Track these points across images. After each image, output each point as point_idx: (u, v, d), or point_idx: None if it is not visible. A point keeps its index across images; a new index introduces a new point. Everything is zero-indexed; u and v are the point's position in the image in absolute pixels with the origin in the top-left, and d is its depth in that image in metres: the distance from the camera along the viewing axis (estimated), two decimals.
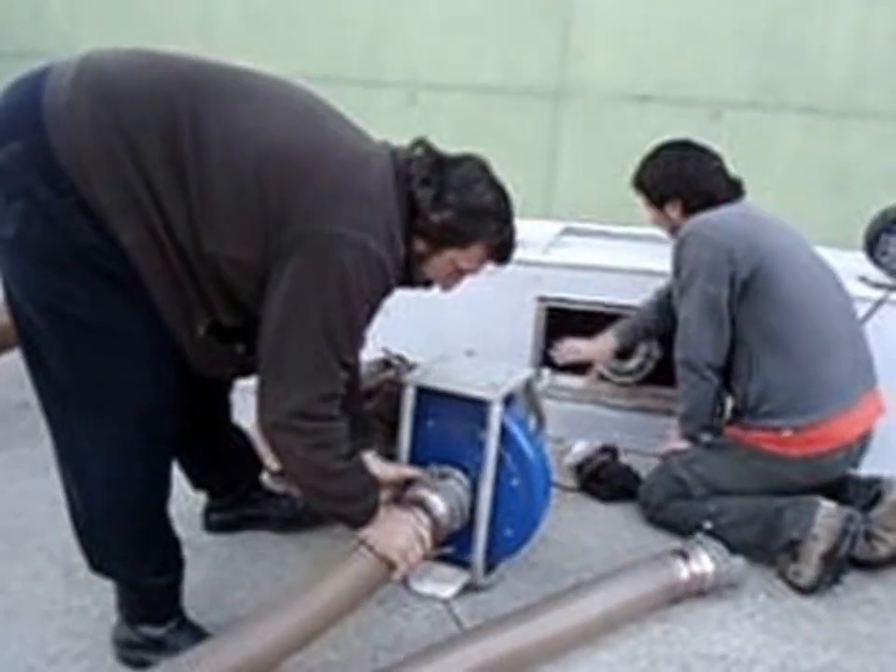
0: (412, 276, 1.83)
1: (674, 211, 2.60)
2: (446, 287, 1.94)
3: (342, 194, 1.62)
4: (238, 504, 2.35)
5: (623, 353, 3.02)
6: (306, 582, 1.83)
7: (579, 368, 3.06)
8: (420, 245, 1.80)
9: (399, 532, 1.87)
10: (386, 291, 1.73)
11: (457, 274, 1.91)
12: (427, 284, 1.92)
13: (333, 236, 1.59)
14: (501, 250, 1.87)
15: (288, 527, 2.37)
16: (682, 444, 2.57)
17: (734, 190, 2.60)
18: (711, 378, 2.47)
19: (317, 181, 1.60)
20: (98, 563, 1.79)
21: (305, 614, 1.72)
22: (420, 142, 1.80)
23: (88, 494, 1.72)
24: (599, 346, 2.93)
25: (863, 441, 2.43)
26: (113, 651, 1.85)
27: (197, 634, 1.84)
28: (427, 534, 1.92)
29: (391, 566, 1.85)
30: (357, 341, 1.76)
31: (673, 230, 2.62)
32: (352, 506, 1.83)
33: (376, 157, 1.72)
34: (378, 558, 1.83)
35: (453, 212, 1.75)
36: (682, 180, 2.60)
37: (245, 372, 1.84)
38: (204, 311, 1.66)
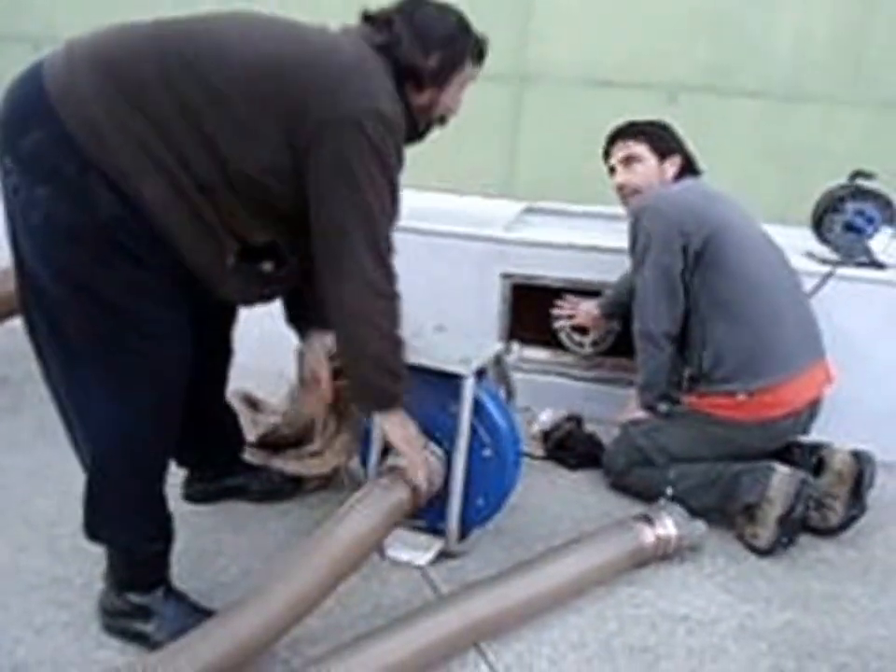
0: (421, 128, 1.89)
1: (673, 167, 2.54)
2: (453, 110, 1.95)
3: (345, 74, 1.65)
4: (218, 475, 2.29)
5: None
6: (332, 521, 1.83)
7: (544, 340, 3.04)
8: (425, 97, 1.83)
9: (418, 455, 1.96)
10: (402, 140, 1.77)
11: (460, 94, 1.94)
12: (430, 125, 1.93)
13: (351, 115, 1.62)
14: (480, 51, 1.92)
15: (267, 498, 2.32)
16: (641, 413, 2.55)
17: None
18: (667, 347, 2.45)
19: (321, 69, 1.64)
20: (97, 528, 1.75)
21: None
22: (367, 16, 1.83)
23: (97, 452, 1.69)
24: (591, 314, 2.92)
25: (813, 408, 2.44)
26: (98, 619, 1.79)
27: (183, 603, 1.79)
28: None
29: (416, 489, 1.94)
30: (398, 195, 1.79)
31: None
32: (397, 384, 1.86)
33: (349, 39, 1.76)
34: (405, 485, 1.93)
35: (440, 49, 1.80)
36: (681, 142, 2.60)
37: (273, 293, 1.89)
38: (233, 239, 1.66)
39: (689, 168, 2.59)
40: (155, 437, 1.73)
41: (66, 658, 1.69)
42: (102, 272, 1.56)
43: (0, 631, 1.75)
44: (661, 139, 2.56)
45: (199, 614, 1.72)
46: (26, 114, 1.53)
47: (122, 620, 1.77)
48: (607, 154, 2.63)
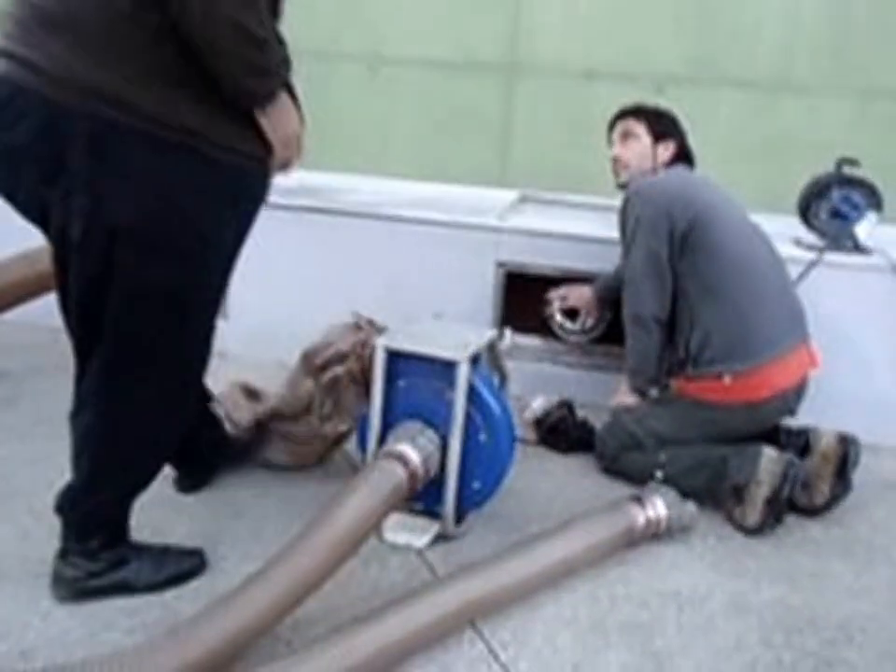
0: None
1: (667, 151, 2.66)
2: None
3: None
4: (202, 469, 2.35)
5: (578, 313, 3.05)
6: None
7: (537, 328, 3.09)
8: None
9: (291, 119, 1.74)
10: None
11: None
12: None
13: None
14: None
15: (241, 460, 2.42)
16: (631, 398, 2.60)
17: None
18: (656, 331, 2.52)
19: None
20: (94, 495, 1.80)
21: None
22: None
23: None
24: (584, 296, 2.99)
25: (799, 390, 2.49)
26: (73, 587, 1.82)
27: (145, 547, 1.91)
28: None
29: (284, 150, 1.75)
30: None
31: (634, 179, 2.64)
32: (265, 81, 1.63)
33: None
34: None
35: None
36: (681, 129, 2.73)
37: None
38: None
39: (683, 157, 2.68)
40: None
41: (73, 640, 1.73)
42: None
43: (8, 616, 1.79)
44: (660, 123, 2.68)
45: (166, 554, 1.92)
46: (52, 145, 1.54)
47: (104, 577, 1.82)
48: (611, 127, 2.76)
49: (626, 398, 2.63)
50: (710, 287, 2.44)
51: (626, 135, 2.68)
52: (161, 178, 1.60)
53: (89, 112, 1.52)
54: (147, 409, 1.77)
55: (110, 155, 1.55)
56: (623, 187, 2.69)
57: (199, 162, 1.61)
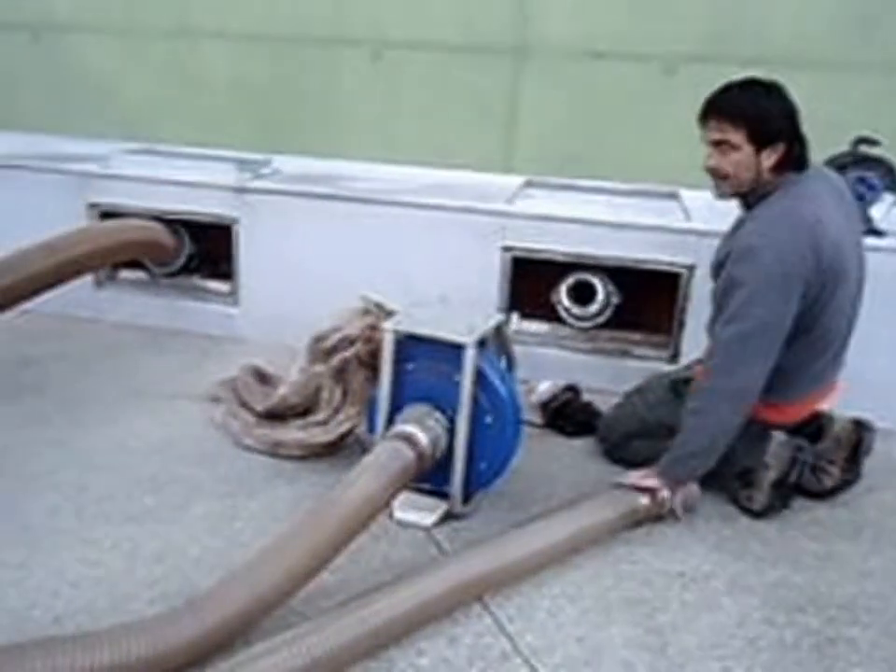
0: None
1: (769, 159, 2.26)
2: None
3: None
4: None
5: (585, 298, 3.17)
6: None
7: (544, 313, 3.22)
8: None
9: None
10: None
11: None
12: None
13: None
14: None
15: None
16: (653, 481, 2.32)
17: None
18: (747, 409, 2.30)
19: None
20: None
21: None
22: None
23: None
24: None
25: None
26: None
27: None
28: None
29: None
30: None
31: (740, 190, 2.34)
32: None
33: None
34: None
35: None
36: (794, 124, 2.29)
37: None
38: None
39: (793, 156, 2.30)
40: None
41: (100, 609, 1.87)
42: None
43: (40, 584, 1.94)
44: (764, 124, 2.24)
45: None
46: None
47: None
48: (702, 121, 2.31)
49: (648, 481, 2.32)
50: (796, 335, 2.30)
51: (723, 145, 2.27)
52: None
53: None
54: None
55: None
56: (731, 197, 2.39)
57: None
